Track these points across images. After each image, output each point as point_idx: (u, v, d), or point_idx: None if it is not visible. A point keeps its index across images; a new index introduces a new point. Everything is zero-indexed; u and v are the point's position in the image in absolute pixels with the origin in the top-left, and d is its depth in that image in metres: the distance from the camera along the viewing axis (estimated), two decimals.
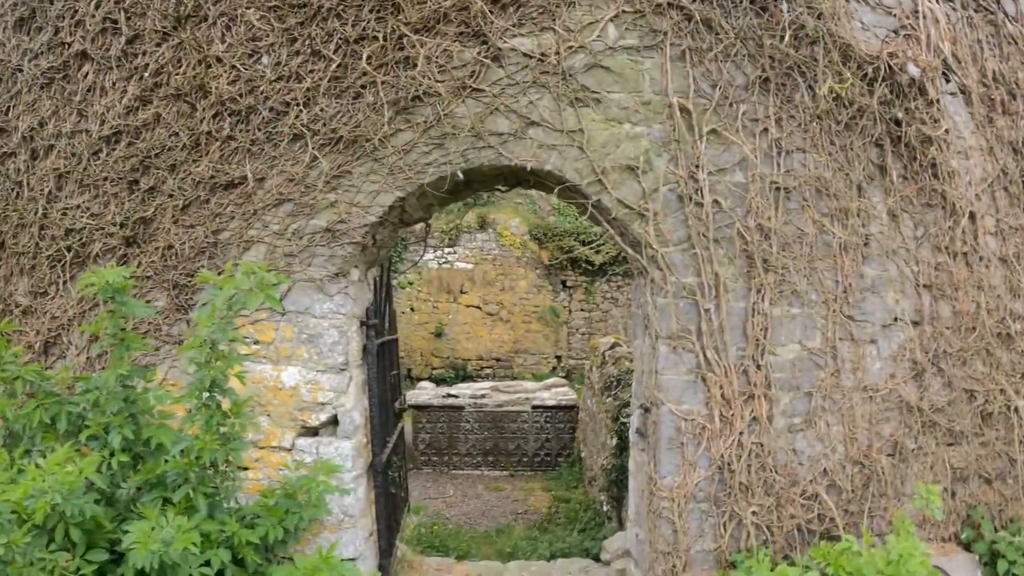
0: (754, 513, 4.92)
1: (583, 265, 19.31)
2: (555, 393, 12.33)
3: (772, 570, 4.58)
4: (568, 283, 19.58)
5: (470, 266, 19.35)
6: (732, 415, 4.85)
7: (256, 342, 4.93)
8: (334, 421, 4.89)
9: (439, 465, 12.09)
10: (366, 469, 5.20)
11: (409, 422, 12.30)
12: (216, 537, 3.84)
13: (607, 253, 19.11)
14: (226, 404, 3.95)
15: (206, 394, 3.82)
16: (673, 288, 4.80)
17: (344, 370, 4.86)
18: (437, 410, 12.07)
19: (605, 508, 8.01)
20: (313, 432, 4.93)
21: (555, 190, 4.93)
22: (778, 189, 4.92)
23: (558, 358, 19.56)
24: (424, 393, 12.40)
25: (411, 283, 19.41)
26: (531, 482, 11.49)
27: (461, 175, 4.72)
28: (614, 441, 7.49)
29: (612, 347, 9.36)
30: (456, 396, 12.25)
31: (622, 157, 4.77)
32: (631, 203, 4.77)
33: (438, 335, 19.22)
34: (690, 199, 4.80)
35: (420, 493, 11.00)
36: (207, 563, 3.74)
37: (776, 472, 4.95)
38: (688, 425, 4.82)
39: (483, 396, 12.31)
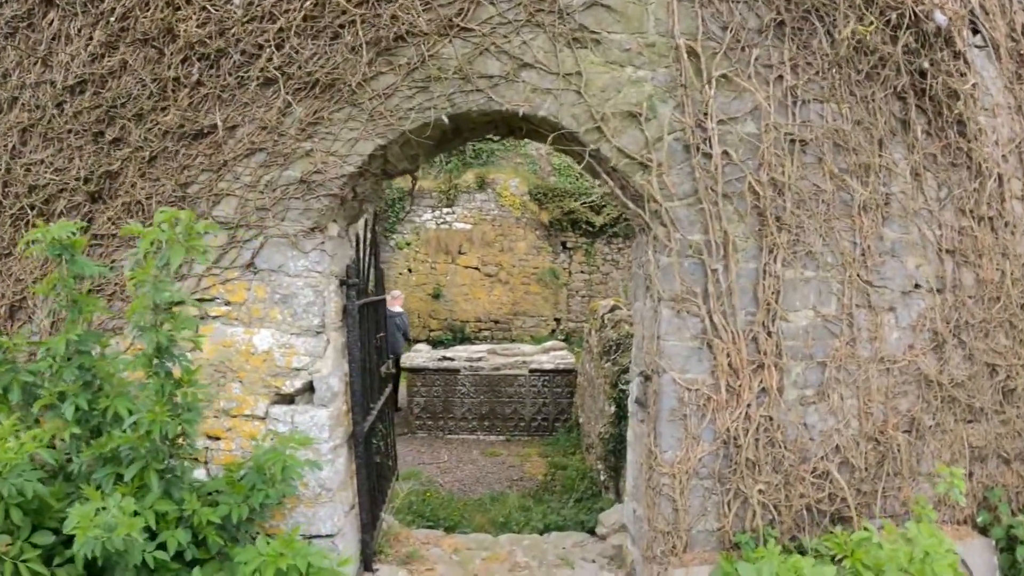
0: (761, 491, 4.57)
1: (583, 226, 18.86)
2: (553, 357, 11.96)
3: (781, 554, 4.24)
4: (568, 245, 19.15)
5: (469, 227, 18.92)
6: (740, 385, 4.47)
7: (227, 303, 4.56)
8: (310, 388, 4.52)
9: (434, 430, 11.77)
10: (346, 439, 4.84)
11: (404, 385, 11.98)
12: (173, 517, 3.48)
13: (608, 215, 18.65)
14: (177, 372, 3.54)
15: (156, 361, 3.41)
16: (678, 246, 4.38)
17: (321, 333, 4.47)
18: (432, 373, 11.72)
19: (602, 477, 7.68)
20: (288, 400, 4.57)
21: (549, 138, 4.47)
22: (793, 141, 4.50)
23: (557, 321, 19.20)
24: (419, 356, 12.04)
25: (408, 244, 18.99)
26: (527, 447, 11.17)
27: (447, 120, 4.29)
28: (612, 408, 7.13)
29: (612, 310, 8.95)
30: (452, 359, 11.89)
31: (623, 103, 4.34)
32: (633, 153, 4.34)
33: (436, 296, 18.86)
34: (697, 149, 4.38)
35: (414, 458, 10.70)
36: (163, 545, 3.39)
37: (785, 448, 4.59)
38: (692, 395, 4.44)
39: (480, 359, 11.95)
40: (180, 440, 3.60)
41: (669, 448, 4.48)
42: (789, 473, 4.62)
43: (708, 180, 4.38)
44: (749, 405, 4.49)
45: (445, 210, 18.96)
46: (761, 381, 4.51)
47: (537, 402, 11.68)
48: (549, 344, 12.93)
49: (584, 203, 18.65)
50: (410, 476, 9.67)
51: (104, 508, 3.10)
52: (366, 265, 5.31)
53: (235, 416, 4.58)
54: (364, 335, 5.09)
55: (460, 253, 18.93)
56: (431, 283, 18.77)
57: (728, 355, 4.43)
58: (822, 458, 4.69)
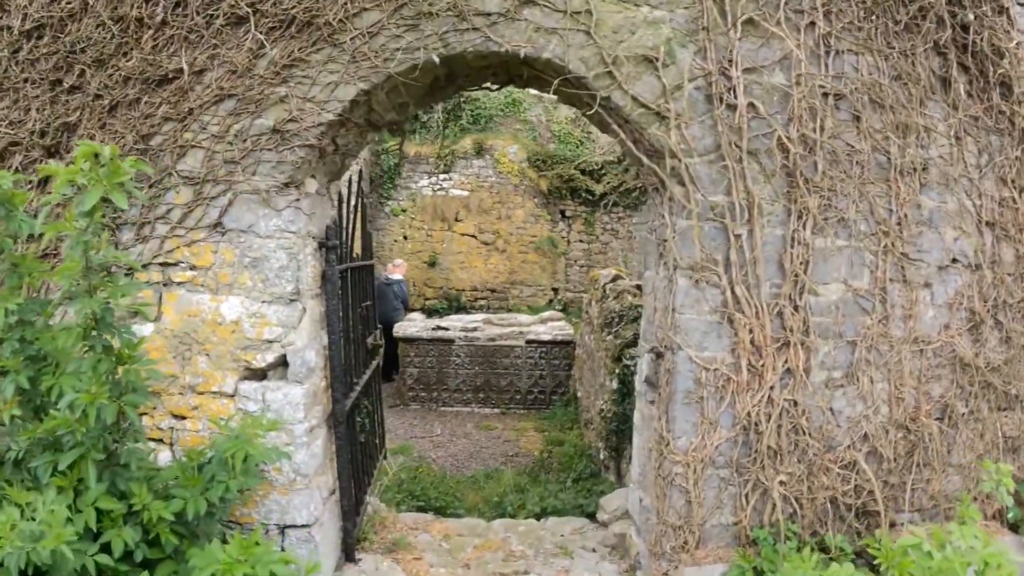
0: (782, 483, 4.12)
1: (583, 195, 18.25)
2: (551, 327, 11.48)
3: (800, 551, 3.79)
4: (567, 213, 18.56)
5: (466, 193, 18.32)
6: (762, 365, 3.99)
7: (192, 267, 4.06)
8: (284, 362, 4.02)
9: (427, 401, 11.31)
10: (325, 418, 4.36)
11: (396, 356, 11.52)
12: (118, 514, 3.00)
13: (608, 183, 18.06)
14: (118, 344, 3.04)
15: (94, 334, 2.90)
16: (698, 208, 3.87)
17: (295, 301, 3.97)
18: (426, 343, 11.24)
19: (602, 456, 7.23)
20: (260, 375, 4.08)
21: (554, 85, 3.92)
22: (826, 95, 3.99)
23: (555, 290, 18.68)
24: (413, 325, 11.54)
25: (404, 211, 18.42)
26: (523, 421, 10.73)
27: (438, 60, 3.75)
28: (614, 384, 6.66)
29: (613, 280, 8.45)
30: (446, 329, 11.40)
31: (638, 46, 3.80)
32: (648, 101, 3.81)
33: (431, 264, 18.32)
34: (720, 100, 3.86)
35: (406, 431, 10.27)
36: (107, 547, 2.91)
37: (810, 435, 4.13)
38: (710, 376, 3.95)
39: (475, 329, 11.46)
40: (124, 425, 3.09)
41: (683, 434, 4.00)
42: (813, 463, 4.16)
43: (732, 135, 3.86)
44: (772, 388, 4.01)
45: (442, 176, 18.35)
46: (786, 361, 4.02)
47: (534, 374, 11.22)
48: (547, 314, 12.45)
49: (581, 164, 18.04)
50: (401, 451, 9.23)
51: (38, 507, 2.62)
52: (350, 226, 4.79)
53: (201, 393, 4.11)
54: (347, 304, 4.59)
55: (457, 220, 18.36)
56: (427, 251, 18.23)
57: (751, 331, 3.94)
58: (848, 447, 4.24)
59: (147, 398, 3.09)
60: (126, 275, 4.12)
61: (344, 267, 4.48)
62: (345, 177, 4.69)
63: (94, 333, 2.90)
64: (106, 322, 2.89)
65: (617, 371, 6.54)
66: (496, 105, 18.93)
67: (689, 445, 3.99)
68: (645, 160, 3.92)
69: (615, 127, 3.94)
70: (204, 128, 3.96)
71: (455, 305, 18.00)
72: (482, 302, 18.45)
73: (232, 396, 4.06)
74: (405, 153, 18.23)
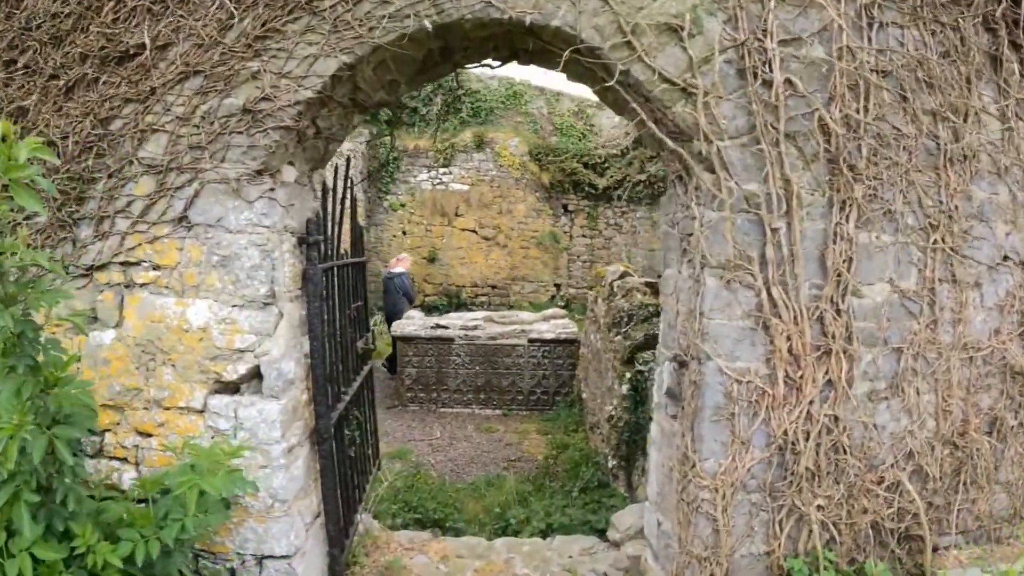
0: (820, 508, 3.61)
1: (586, 189, 17.75)
2: (554, 325, 10.96)
3: None
4: (569, 207, 18.06)
5: (466, 187, 17.82)
6: (801, 377, 3.48)
7: (155, 267, 3.56)
8: (258, 374, 3.52)
9: (426, 402, 10.80)
10: (307, 435, 3.86)
11: (394, 355, 11.02)
12: (55, 561, 2.50)
13: (612, 176, 17.55)
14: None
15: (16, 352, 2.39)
16: (731, 198, 3.35)
17: (270, 304, 3.46)
18: (425, 342, 10.72)
19: (610, 464, 6.73)
20: (233, 389, 3.58)
21: (563, 57, 3.39)
22: (870, 71, 3.46)
23: (557, 286, 18.19)
24: (411, 323, 11.03)
25: (403, 205, 17.92)
26: (526, 423, 10.22)
27: (430, 27, 3.22)
28: (623, 388, 6.16)
29: (621, 277, 7.94)
30: (446, 327, 10.89)
31: (661, 13, 3.28)
32: (673, 76, 3.29)
33: (431, 260, 17.82)
34: (755, 75, 3.34)
35: (404, 434, 9.77)
36: None
37: (851, 454, 3.64)
38: (742, 389, 3.44)
39: (475, 327, 10.95)
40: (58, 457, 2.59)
41: (711, 455, 3.49)
42: (853, 485, 3.67)
43: (768, 114, 3.35)
44: (812, 402, 3.50)
45: (441, 170, 17.84)
46: (827, 372, 3.52)
47: (536, 374, 10.72)
48: (549, 312, 11.94)
49: (584, 157, 17.53)
50: (399, 455, 8.75)
51: None
52: (337, 220, 4.28)
53: (168, 408, 3.61)
54: (333, 306, 4.09)
55: (457, 215, 17.86)
56: (426, 246, 17.73)
57: (788, 338, 3.43)
58: (892, 466, 3.75)
59: (84, 429, 2.58)
60: (83, 277, 3.71)
61: (328, 265, 3.97)
62: (332, 165, 4.17)
63: (17, 351, 2.38)
64: (28, 337, 2.38)
65: (628, 375, 6.04)
66: (497, 98, 18.43)
67: (718, 468, 3.48)
68: (669, 143, 3.39)
69: (634, 105, 3.41)
70: (168, 109, 3.47)
71: (455, 302, 17.51)
72: (483, 299, 17.97)
73: (201, 412, 3.57)
74: (404, 147, 17.70)
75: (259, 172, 3.38)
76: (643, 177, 17.28)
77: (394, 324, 11.12)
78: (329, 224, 4.10)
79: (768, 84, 3.33)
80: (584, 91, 19.07)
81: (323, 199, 4.00)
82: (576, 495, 6.73)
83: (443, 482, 7.65)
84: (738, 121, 3.34)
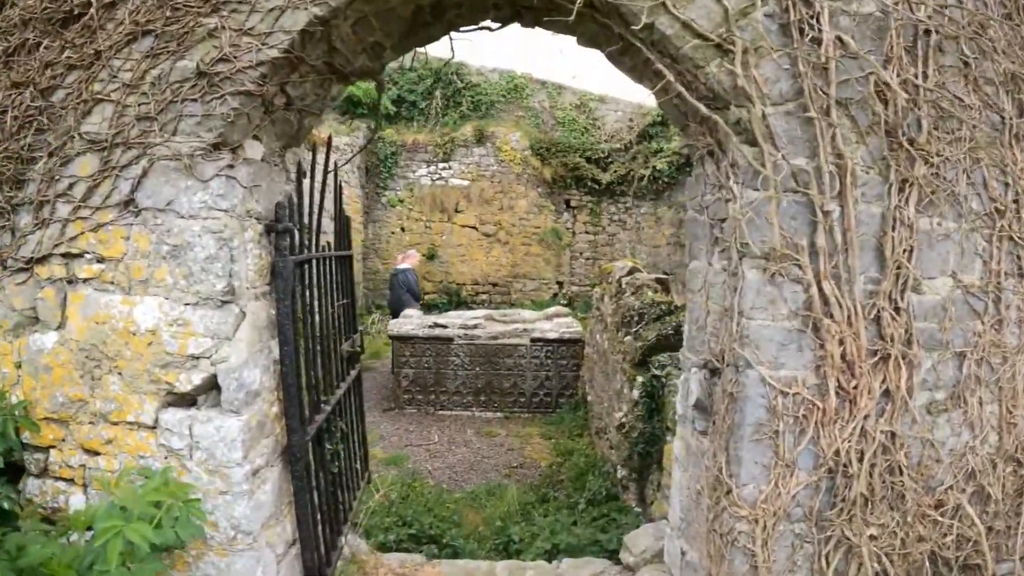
0: (872, 537, 3.06)
1: (589, 184, 17.20)
2: (557, 324, 10.42)
3: None
4: (572, 203, 17.50)
5: (466, 183, 17.26)
6: (855, 387, 2.94)
7: (100, 259, 3.02)
8: (217, 384, 2.98)
9: (424, 405, 10.24)
10: (278, 454, 3.32)
11: (391, 356, 10.49)
12: None
13: (615, 171, 17.00)
14: None
15: None
16: (777, 175, 2.80)
17: (228, 303, 2.92)
18: (422, 342, 10.17)
19: (619, 474, 6.19)
20: (189, 401, 3.04)
21: (574, 11, 2.83)
22: (928, 32, 2.92)
23: (559, 284, 17.63)
24: (409, 322, 10.48)
25: (402, 201, 17.36)
26: (528, 426, 9.67)
27: None
28: (635, 394, 5.62)
29: (630, 273, 7.39)
30: (445, 326, 10.34)
31: None
32: (706, 30, 2.74)
33: (430, 257, 17.25)
34: (800, 32, 2.79)
35: (401, 439, 9.23)
36: None
37: (908, 475, 3.08)
38: (788, 403, 2.89)
39: (475, 326, 10.41)
40: None
41: (750, 480, 2.94)
42: (909, 510, 3.12)
43: (816, 77, 2.80)
44: (867, 416, 2.95)
45: (441, 165, 17.28)
46: (884, 380, 2.97)
47: (539, 375, 10.17)
48: (552, 310, 11.39)
49: (587, 152, 17.01)
50: (395, 461, 8.22)
51: None
52: (311, 205, 3.71)
53: (116, 423, 3.08)
54: (310, 305, 3.55)
55: (457, 211, 17.30)
56: (425, 243, 17.16)
57: (841, 342, 2.88)
58: (951, 487, 3.20)
59: None
60: (22, 271, 3.19)
61: (304, 258, 3.42)
62: (302, 141, 3.61)
63: None
64: None
65: (640, 379, 5.50)
66: (497, 91, 17.88)
67: (758, 495, 2.93)
68: (702, 109, 2.82)
69: (659, 66, 2.85)
70: (115, 76, 2.94)
71: (455, 300, 16.97)
72: (483, 297, 17.43)
73: (153, 428, 3.03)
74: (403, 141, 17.15)
75: (216, 146, 2.84)
76: (647, 172, 16.75)
77: (391, 323, 10.59)
78: (307, 211, 3.55)
79: (817, 41, 2.79)
80: (587, 84, 18.59)
81: (299, 182, 3.45)
82: (583, 508, 6.18)
83: (440, 492, 7.10)
84: (782, 85, 2.79)
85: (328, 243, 4.14)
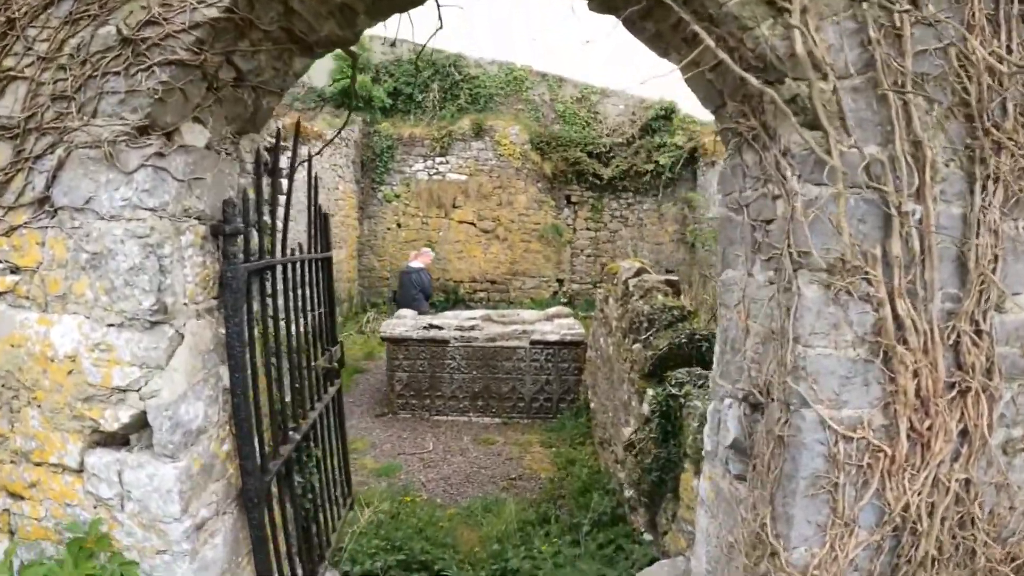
0: None
1: (590, 179, 16.59)
2: (558, 326, 9.85)
3: None
4: (573, 199, 16.89)
5: (464, 178, 16.65)
6: (930, 428, 2.37)
7: (14, 269, 2.46)
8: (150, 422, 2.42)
9: (418, 410, 9.67)
10: (231, 500, 2.76)
11: (384, 359, 9.93)
12: None
13: (618, 167, 16.41)
14: None
15: None
16: (845, 164, 2.22)
17: (159, 324, 2.35)
18: (417, 344, 9.60)
19: (627, 494, 5.63)
20: (121, 440, 2.48)
21: None
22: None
23: (560, 282, 17.05)
24: (402, 323, 9.91)
25: (398, 196, 16.76)
26: (527, 433, 9.11)
27: None
28: (644, 408, 5.07)
29: (637, 275, 6.82)
30: (440, 327, 9.77)
31: None
32: None
33: None
34: None
35: (394, 446, 8.67)
36: None
37: (980, 527, 2.52)
38: (851, 449, 2.31)
39: (472, 328, 9.84)
40: None
41: (802, 542, 2.37)
42: (979, 568, 2.57)
43: (890, 46, 2.23)
44: (941, 462, 2.39)
45: (438, 160, 16.68)
46: (961, 418, 2.41)
47: (539, 379, 9.61)
48: (553, 311, 10.83)
49: (589, 146, 16.45)
50: (387, 472, 7.67)
51: None
52: (270, 202, 3.15)
53: (39, 464, 2.53)
54: (274, 318, 2.99)
55: (454, 207, 16.70)
56: (422, 239, 16.54)
57: (916, 373, 2.31)
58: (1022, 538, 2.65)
59: None
60: None
61: (263, 264, 2.86)
62: (263, 127, 3.03)
63: None
64: None
65: (651, 393, 4.94)
66: (496, 83, 17.29)
67: (810, 559, 2.36)
68: (752, 81, 2.22)
69: (697, 28, 2.27)
70: (30, 47, 2.37)
71: (452, 298, 16.38)
72: (481, 294, 16.85)
73: (79, 472, 2.48)
74: (399, 135, 16.56)
75: (143, 130, 2.27)
76: (650, 167, 16.18)
77: (384, 324, 10.02)
78: (269, 208, 2.99)
79: (886, 8, 2.22)
80: (588, 77, 17.97)
81: (257, 175, 2.88)
82: (588, 530, 5.63)
83: (434, 509, 6.54)
84: (847, 54, 2.21)
85: (300, 244, 3.57)
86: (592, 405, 8.52)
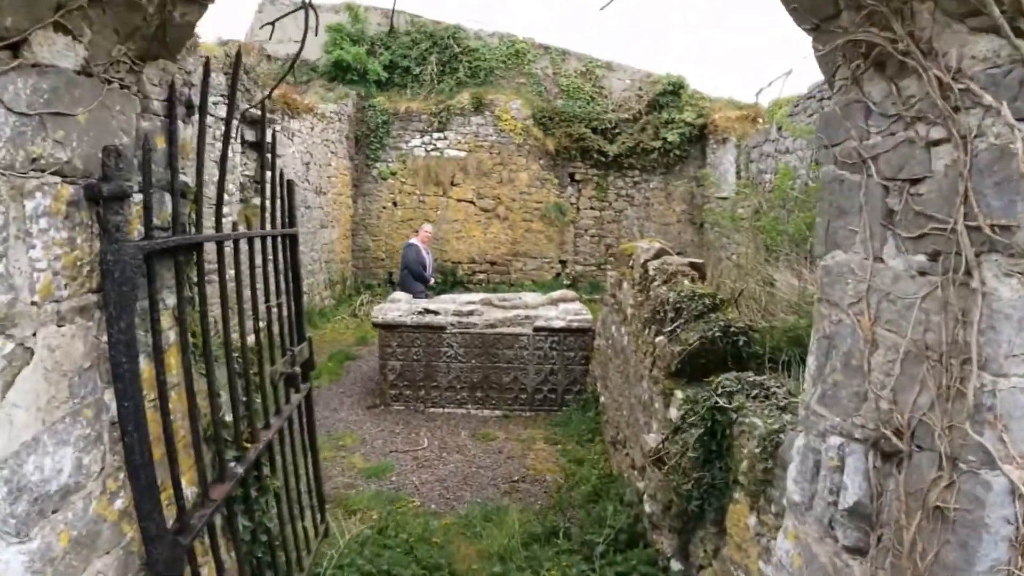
0: None
1: (595, 156, 15.72)
2: (564, 311, 9.02)
3: None
4: (576, 177, 16.01)
5: (463, 154, 15.77)
6: None
7: None
8: None
9: (413, 401, 8.85)
10: (135, 571, 1.93)
11: (377, 347, 9.10)
12: None
13: (623, 143, 15.54)
14: None
15: None
16: None
17: None
18: (411, 331, 8.76)
19: (648, 508, 4.84)
20: None
21: None
22: None
23: (562, 263, 16.21)
24: (395, 308, 9.08)
25: (394, 173, 15.89)
26: (530, 428, 8.29)
27: None
28: (672, 412, 4.28)
29: (657, 256, 5.98)
30: (436, 312, 8.94)
31: None
32: None
33: None
34: None
35: (386, 443, 7.85)
36: None
37: None
38: None
39: (471, 313, 9.02)
40: None
41: None
42: None
43: None
44: None
45: (436, 135, 15.79)
46: None
47: (543, 369, 8.78)
48: (558, 294, 10.00)
49: (593, 122, 15.60)
50: (376, 473, 6.88)
51: None
52: (178, 155, 2.31)
53: None
54: (203, 313, 2.16)
55: (453, 185, 15.84)
56: (419, 218, 15.67)
57: None
58: None
59: None
60: None
61: (173, 243, 2.02)
62: (179, 51, 2.17)
63: None
64: None
65: (681, 396, 4.13)
66: (497, 56, 16.39)
67: None
68: None
69: None
70: None
71: (451, 280, 15.54)
72: (481, 276, 16.03)
73: None
74: (395, 109, 15.67)
75: None
76: (658, 144, 15.32)
77: (375, 309, 9.20)
78: (189, 166, 2.15)
79: None
80: (592, 49, 17.06)
81: (171, 116, 2.03)
82: (602, 551, 4.84)
83: (427, 519, 5.74)
84: None
85: (236, 218, 2.73)
86: (602, 399, 7.70)
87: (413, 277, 11.28)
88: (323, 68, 15.93)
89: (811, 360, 2.11)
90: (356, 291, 15.39)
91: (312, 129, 13.12)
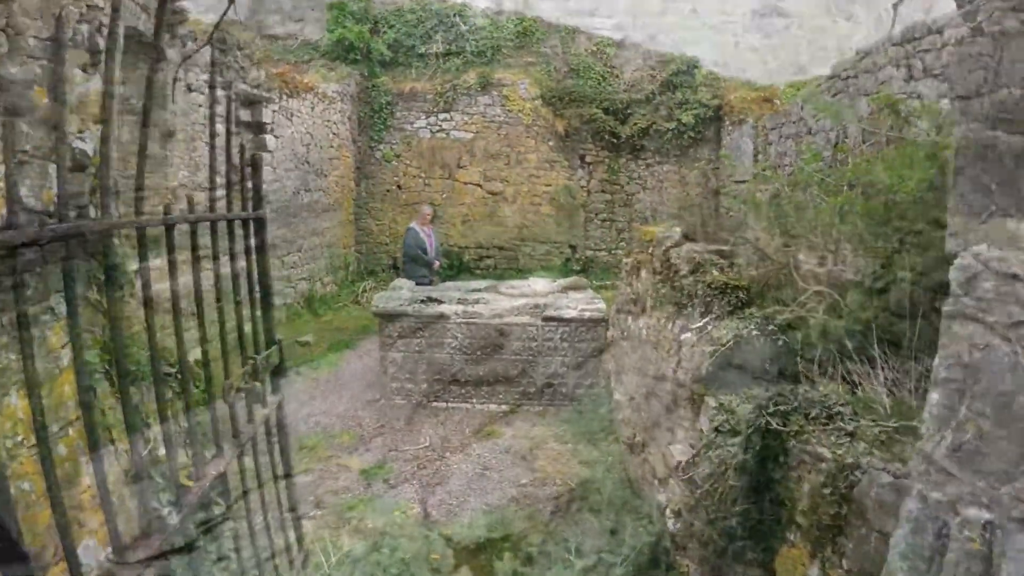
0: None
1: (606, 138, 15.11)
2: (575, 300, 8.46)
3: None
4: (587, 159, 15.40)
5: (469, 136, 15.19)
6: None
7: None
8: None
9: (414, 395, 8.28)
10: None
11: (377, 339, 8.58)
12: None
13: (636, 124, 14.92)
14: None
15: None
16: None
17: None
18: (412, 321, 8.23)
19: (672, 526, 4.30)
20: None
21: None
22: None
23: (572, 248, 15.63)
24: (397, 296, 8.54)
25: (398, 156, 15.33)
26: (539, 425, 7.75)
27: None
28: (703, 423, 3.74)
29: (679, 244, 5.42)
30: (440, 301, 8.41)
31: None
32: None
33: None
34: None
35: (385, 440, 7.37)
36: None
37: None
38: None
39: (477, 301, 8.49)
40: None
41: None
42: None
43: None
44: None
45: (441, 116, 15.18)
46: None
47: (553, 362, 8.25)
48: (568, 282, 9.47)
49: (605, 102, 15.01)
50: (375, 474, 6.44)
51: None
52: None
53: None
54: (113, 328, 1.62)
55: (459, 167, 15.27)
56: (424, 201, 15.14)
57: None
58: None
59: None
60: None
61: (43, 233, 1.47)
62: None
63: None
64: None
65: (714, 405, 3.58)
66: (504, 35, 15.75)
67: None
68: None
69: None
70: None
71: (456, 265, 15.00)
72: (488, 262, 15.49)
73: None
74: (399, 89, 15.08)
75: None
76: (671, 125, 14.70)
77: (376, 297, 8.68)
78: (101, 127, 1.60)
79: None
80: (603, 27, 16.44)
81: (56, 57, 1.48)
82: (622, 573, 4.31)
83: (426, 534, 5.24)
84: None
85: (190, 197, 2.20)
86: (616, 396, 7.16)
87: (414, 262, 10.76)
88: (325, 47, 15.33)
89: (936, 396, 1.55)
90: (360, 277, 14.88)
91: (313, 109, 12.56)
